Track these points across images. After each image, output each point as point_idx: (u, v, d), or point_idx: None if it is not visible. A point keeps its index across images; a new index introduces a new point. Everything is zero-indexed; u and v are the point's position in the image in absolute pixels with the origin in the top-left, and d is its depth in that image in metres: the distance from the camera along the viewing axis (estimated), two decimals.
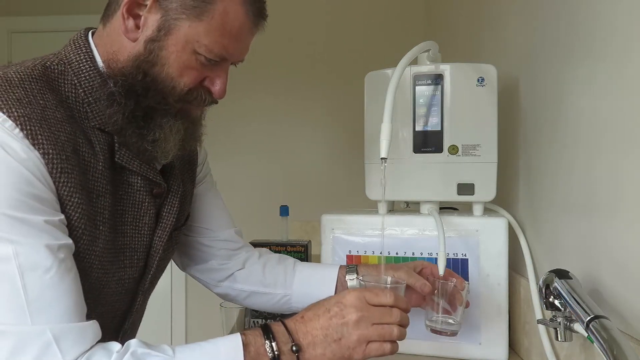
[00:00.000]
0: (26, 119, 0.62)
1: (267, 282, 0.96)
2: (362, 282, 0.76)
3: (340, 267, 0.94)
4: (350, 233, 1.02)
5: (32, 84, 0.66)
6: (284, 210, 1.36)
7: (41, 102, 0.65)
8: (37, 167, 0.61)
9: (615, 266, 0.67)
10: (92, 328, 0.62)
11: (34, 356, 0.56)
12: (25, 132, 0.61)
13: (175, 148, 0.75)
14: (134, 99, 0.71)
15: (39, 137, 0.62)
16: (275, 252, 1.10)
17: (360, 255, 1.01)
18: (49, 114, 0.65)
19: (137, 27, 0.71)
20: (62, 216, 0.63)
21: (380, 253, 0.99)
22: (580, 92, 0.77)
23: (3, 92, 0.63)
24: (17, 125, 0.61)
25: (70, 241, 0.64)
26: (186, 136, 0.77)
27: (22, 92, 0.64)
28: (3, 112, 0.61)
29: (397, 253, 0.99)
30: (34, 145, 0.61)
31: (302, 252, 1.10)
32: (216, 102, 0.78)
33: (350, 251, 1.01)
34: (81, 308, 0.63)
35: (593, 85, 0.73)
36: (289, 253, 1.11)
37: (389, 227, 0.99)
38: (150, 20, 0.70)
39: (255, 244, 1.12)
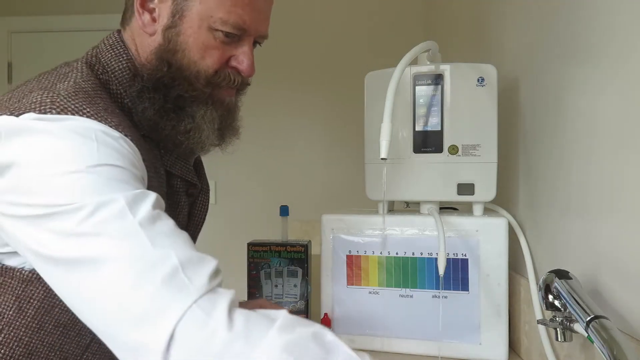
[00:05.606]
0: (121, 127, 0.63)
1: None
2: None
3: None
4: (350, 233, 1.02)
5: (102, 93, 0.67)
6: (284, 210, 1.35)
7: (117, 110, 0.67)
8: (139, 160, 0.63)
9: (615, 266, 0.67)
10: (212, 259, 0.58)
11: (162, 277, 0.52)
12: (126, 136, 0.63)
13: (212, 137, 0.75)
14: (163, 91, 0.72)
15: (133, 142, 0.64)
16: (275, 252, 1.10)
17: (360, 255, 1.01)
18: (124, 121, 0.67)
19: (154, 20, 0.72)
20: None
21: (381, 253, 0.99)
22: (581, 92, 0.77)
23: (91, 104, 0.62)
24: (119, 131, 0.62)
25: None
26: (222, 125, 0.77)
27: (102, 103, 0.65)
28: (102, 122, 0.61)
29: (397, 253, 0.99)
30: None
31: (302, 252, 1.10)
32: (248, 83, 0.78)
33: (350, 251, 1.01)
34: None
35: (593, 85, 0.73)
36: (289, 253, 1.10)
37: (389, 227, 0.99)
38: (164, 9, 0.71)
39: (256, 244, 1.12)
